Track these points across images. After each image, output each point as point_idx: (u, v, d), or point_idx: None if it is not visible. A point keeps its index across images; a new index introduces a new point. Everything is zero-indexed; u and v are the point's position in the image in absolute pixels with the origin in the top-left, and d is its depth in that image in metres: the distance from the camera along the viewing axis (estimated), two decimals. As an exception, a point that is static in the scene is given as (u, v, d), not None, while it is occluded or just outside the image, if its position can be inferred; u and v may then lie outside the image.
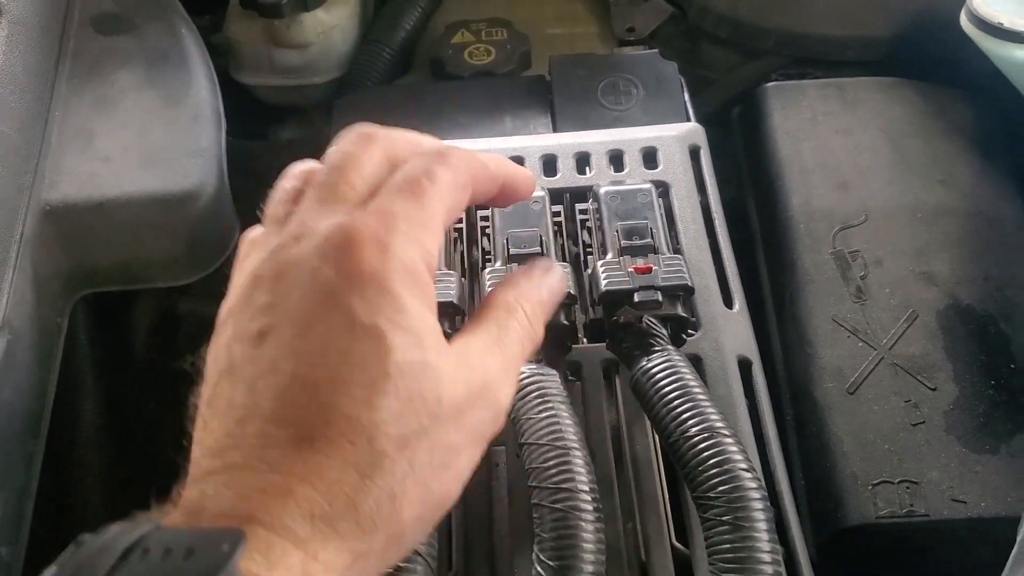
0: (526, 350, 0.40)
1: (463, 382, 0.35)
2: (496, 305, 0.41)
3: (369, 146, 0.40)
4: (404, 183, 0.38)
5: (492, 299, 0.42)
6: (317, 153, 0.67)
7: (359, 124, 0.42)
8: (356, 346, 0.33)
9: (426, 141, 0.43)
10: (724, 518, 0.43)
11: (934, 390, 0.63)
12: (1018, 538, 0.46)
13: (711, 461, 0.45)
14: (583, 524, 0.43)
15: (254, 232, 0.41)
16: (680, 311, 0.52)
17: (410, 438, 0.33)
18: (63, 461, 0.73)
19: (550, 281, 0.44)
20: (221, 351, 0.36)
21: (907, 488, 0.60)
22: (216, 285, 0.98)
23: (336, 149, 0.40)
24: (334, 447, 0.32)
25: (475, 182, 0.41)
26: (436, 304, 0.37)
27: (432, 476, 0.34)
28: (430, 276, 0.37)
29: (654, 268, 0.53)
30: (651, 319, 0.51)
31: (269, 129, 0.96)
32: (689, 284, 0.53)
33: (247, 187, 0.85)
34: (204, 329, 1.04)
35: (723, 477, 0.44)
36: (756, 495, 0.44)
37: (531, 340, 0.41)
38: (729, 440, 0.45)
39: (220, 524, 0.30)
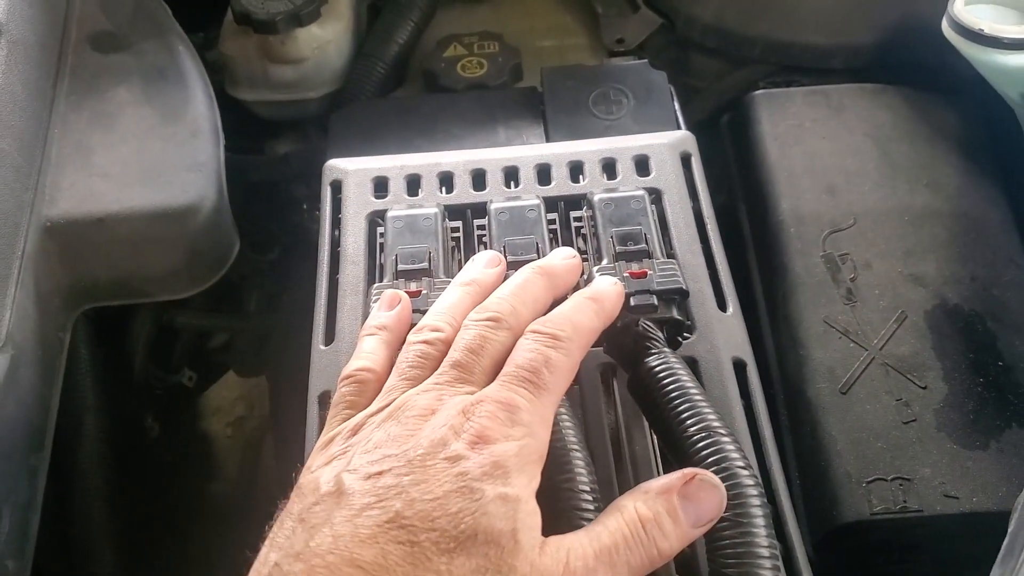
0: (631, 556, 0.40)
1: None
2: (610, 509, 0.43)
3: (499, 330, 0.46)
4: (526, 373, 0.43)
5: (614, 502, 0.43)
6: (313, 166, 0.69)
7: (480, 273, 0.52)
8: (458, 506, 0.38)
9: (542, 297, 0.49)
10: (723, 515, 0.44)
11: (924, 388, 0.65)
12: (1008, 531, 0.47)
13: (709, 460, 0.45)
14: (583, 524, 0.44)
15: (376, 360, 0.48)
16: (676, 314, 0.53)
17: None
18: (66, 475, 0.73)
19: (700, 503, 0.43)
20: (329, 473, 0.41)
21: (900, 485, 0.61)
22: (214, 299, 0.99)
23: (469, 332, 0.46)
24: None
25: (585, 350, 0.47)
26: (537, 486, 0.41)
27: None
28: (541, 462, 0.42)
29: (649, 273, 0.54)
30: (647, 323, 0.52)
31: (265, 144, 0.97)
32: (684, 287, 0.54)
33: (243, 201, 0.87)
34: (202, 343, 1.05)
35: (721, 475, 0.45)
36: (754, 491, 0.45)
37: (639, 545, 0.41)
38: (726, 439, 0.46)
39: None
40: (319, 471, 0.42)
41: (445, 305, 0.49)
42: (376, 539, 0.37)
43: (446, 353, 0.46)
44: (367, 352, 0.49)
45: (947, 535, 0.61)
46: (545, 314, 0.48)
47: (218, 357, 1.07)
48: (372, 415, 0.44)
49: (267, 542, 0.40)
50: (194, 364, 1.02)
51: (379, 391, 0.46)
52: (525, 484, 0.40)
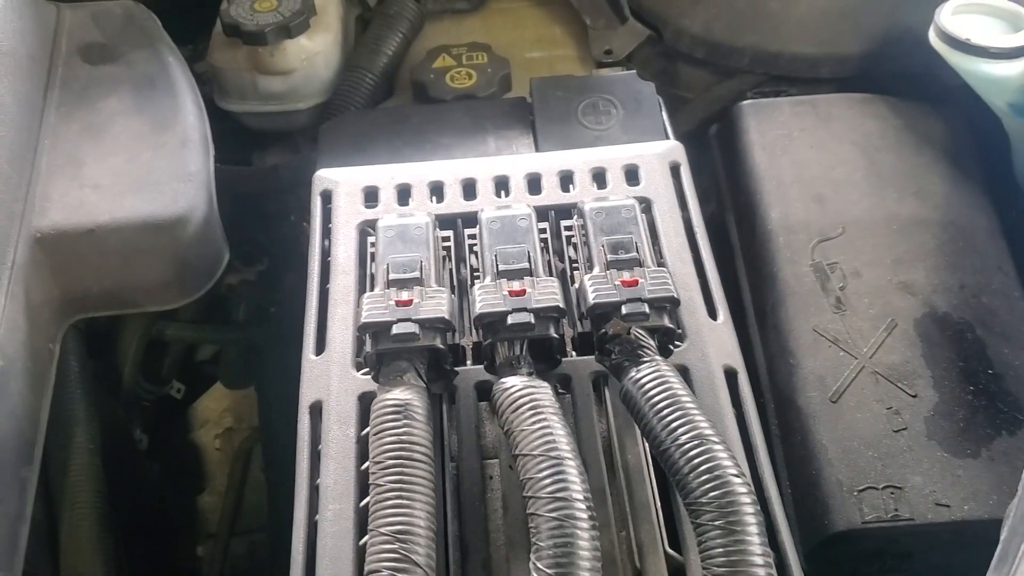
0: None
1: None
2: None
3: None
4: None
5: None
6: (302, 178, 0.69)
7: None
8: None
9: None
10: (716, 523, 0.44)
11: (915, 397, 0.65)
12: (1001, 538, 0.47)
13: (702, 467, 0.45)
14: (579, 532, 0.44)
15: None
16: (667, 322, 0.54)
17: None
18: (56, 487, 0.73)
19: None
20: None
21: (891, 493, 0.61)
22: (202, 311, 0.99)
23: None
24: None
25: None
26: None
27: None
28: None
29: (640, 281, 0.54)
30: (639, 331, 0.52)
31: (254, 155, 0.97)
32: (675, 296, 0.54)
33: (232, 212, 0.86)
34: (190, 354, 1.05)
35: (714, 483, 0.45)
36: (747, 499, 0.45)
37: None
38: (719, 447, 0.46)
39: None
40: None
41: None
42: None
43: None
44: None
45: (938, 543, 0.61)
46: None
47: (206, 369, 1.06)
48: None
49: None
50: (182, 376, 1.01)
51: None
52: None
